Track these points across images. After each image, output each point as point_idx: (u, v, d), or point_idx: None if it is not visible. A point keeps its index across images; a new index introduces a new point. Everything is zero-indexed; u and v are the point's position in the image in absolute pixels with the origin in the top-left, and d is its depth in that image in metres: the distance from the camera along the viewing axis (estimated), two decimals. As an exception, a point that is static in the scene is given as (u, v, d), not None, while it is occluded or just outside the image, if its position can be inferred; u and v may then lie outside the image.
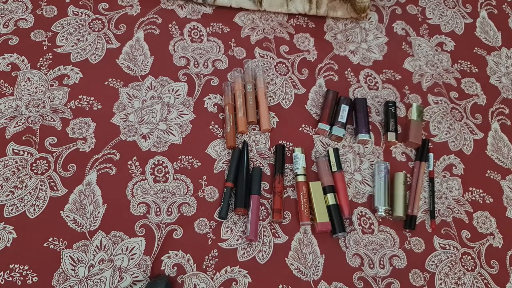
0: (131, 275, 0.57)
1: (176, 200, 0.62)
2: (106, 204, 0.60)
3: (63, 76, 0.67)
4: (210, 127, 0.67)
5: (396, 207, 0.64)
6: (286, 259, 0.60)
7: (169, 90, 0.69)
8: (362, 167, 0.68)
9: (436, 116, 0.74)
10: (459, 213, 0.67)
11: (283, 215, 0.62)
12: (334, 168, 0.66)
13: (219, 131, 0.67)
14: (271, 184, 0.65)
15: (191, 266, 0.58)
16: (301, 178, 0.64)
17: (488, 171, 0.71)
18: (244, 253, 0.60)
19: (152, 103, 0.68)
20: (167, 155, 0.64)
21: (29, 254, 0.56)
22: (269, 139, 0.68)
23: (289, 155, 0.67)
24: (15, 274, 0.55)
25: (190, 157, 0.65)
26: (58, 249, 0.56)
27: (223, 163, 0.65)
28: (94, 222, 0.58)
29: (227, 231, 0.61)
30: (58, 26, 0.71)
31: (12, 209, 0.58)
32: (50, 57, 0.68)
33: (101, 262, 0.57)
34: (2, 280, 0.54)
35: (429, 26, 0.83)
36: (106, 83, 0.68)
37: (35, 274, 0.55)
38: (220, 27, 0.76)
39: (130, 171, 0.62)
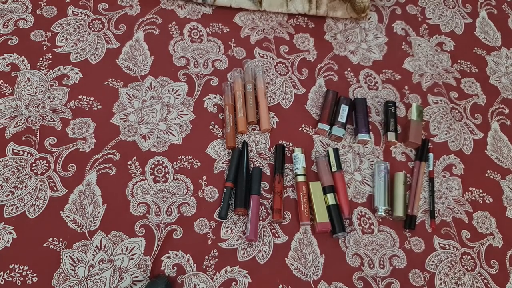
0: (131, 275, 0.57)
1: (176, 200, 0.62)
2: (106, 204, 0.60)
3: (63, 76, 0.67)
4: (210, 127, 0.67)
5: (396, 207, 0.64)
6: (286, 259, 0.60)
7: (169, 90, 0.69)
8: (362, 167, 0.68)
9: (436, 116, 0.74)
10: (459, 213, 0.67)
11: (283, 215, 0.62)
12: (334, 168, 0.66)
13: (219, 131, 0.67)
14: (271, 184, 0.65)
15: (191, 266, 0.58)
16: (301, 178, 0.64)
17: (488, 171, 0.71)
18: (244, 253, 0.60)
19: (152, 103, 0.68)
20: (167, 155, 0.64)
21: (29, 254, 0.56)
22: (269, 139, 0.68)
23: (289, 155, 0.67)
24: (15, 274, 0.55)
25: (190, 157, 0.65)
26: (58, 249, 0.56)
27: (223, 163, 0.65)
28: (94, 222, 0.58)
29: (227, 231, 0.61)
30: (58, 26, 0.71)
31: (12, 209, 0.58)
32: (50, 57, 0.68)
33: (101, 262, 0.56)
34: (2, 280, 0.54)
35: (429, 26, 0.83)
36: (106, 83, 0.68)
37: (35, 274, 0.55)
38: (220, 27, 0.76)
39: (130, 171, 0.62)
